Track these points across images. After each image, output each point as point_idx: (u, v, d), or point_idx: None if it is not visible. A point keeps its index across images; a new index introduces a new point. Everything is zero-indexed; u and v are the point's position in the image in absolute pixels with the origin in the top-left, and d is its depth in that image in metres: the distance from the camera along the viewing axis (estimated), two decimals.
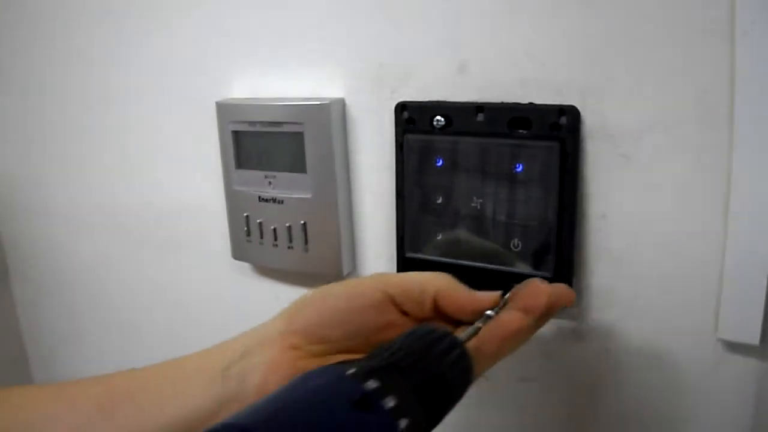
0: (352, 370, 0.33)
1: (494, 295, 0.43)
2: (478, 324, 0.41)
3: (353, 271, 0.66)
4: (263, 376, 0.42)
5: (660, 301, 0.51)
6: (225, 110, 0.66)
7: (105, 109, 0.79)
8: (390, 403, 0.32)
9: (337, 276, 0.65)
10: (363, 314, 0.43)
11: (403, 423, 0.32)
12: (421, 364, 0.35)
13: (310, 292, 0.45)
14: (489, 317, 0.42)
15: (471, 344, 0.39)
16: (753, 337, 0.46)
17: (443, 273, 0.46)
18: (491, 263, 0.55)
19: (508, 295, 0.44)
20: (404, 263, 0.60)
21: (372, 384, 0.32)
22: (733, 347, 0.49)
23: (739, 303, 0.47)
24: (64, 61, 0.81)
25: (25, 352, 1.06)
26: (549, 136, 0.51)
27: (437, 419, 0.36)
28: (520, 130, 0.52)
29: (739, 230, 0.46)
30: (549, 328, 0.56)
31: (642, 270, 0.51)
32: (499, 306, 0.43)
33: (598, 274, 0.53)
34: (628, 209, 0.51)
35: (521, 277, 0.52)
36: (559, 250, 0.52)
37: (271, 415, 0.31)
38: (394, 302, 0.43)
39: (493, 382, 0.59)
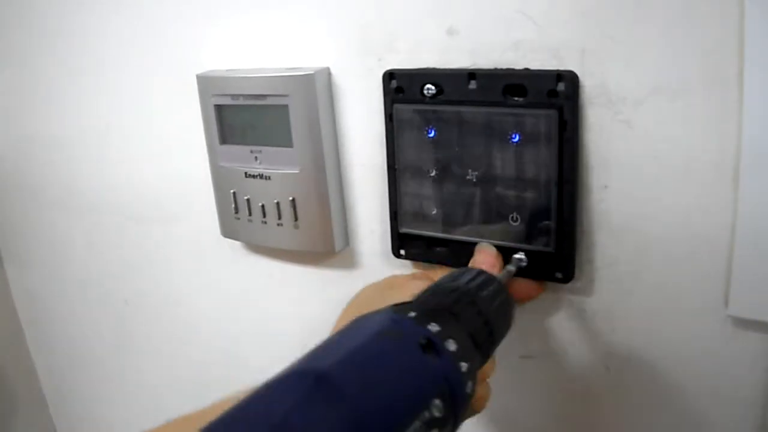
0: (412, 314, 0.34)
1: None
2: (509, 267, 0.48)
3: (346, 247, 0.63)
4: None
5: (666, 276, 0.48)
6: (206, 83, 0.63)
7: (87, 85, 0.76)
8: (452, 347, 0.33)
9: (330, 253, 0.63)
10: None
11: (464, 366, 0.33)
12: (473, 310, 0.37)
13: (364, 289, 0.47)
14: (511, 270, 0.48)
15: None
16: (766, 314, 0.44)
17: None
18: (489, 238, 0.52)
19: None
20: (399, 239, 0.58)
21: (434, 327, 0.34)
22: (745, 324, 0.46)
23: (750, 278, 0.44)
24: (44, 38, 0.78)
25: (22, 333, 1.05)
26: (546, 103, 0.48)
27: (485, 362, 0.38)
28: (516, 98, 0.49)
29: (750, 201, 0.43)
30: (551, 304, 0.54)
31: (647, 243, 0.48)
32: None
33: (601, 247, 0.50)
34: (631, 179, 0.48)
35: (522, 252, 0.50)
36: (560, 223, 0.50)
37: (345, 358, 0.30)
38: None
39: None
